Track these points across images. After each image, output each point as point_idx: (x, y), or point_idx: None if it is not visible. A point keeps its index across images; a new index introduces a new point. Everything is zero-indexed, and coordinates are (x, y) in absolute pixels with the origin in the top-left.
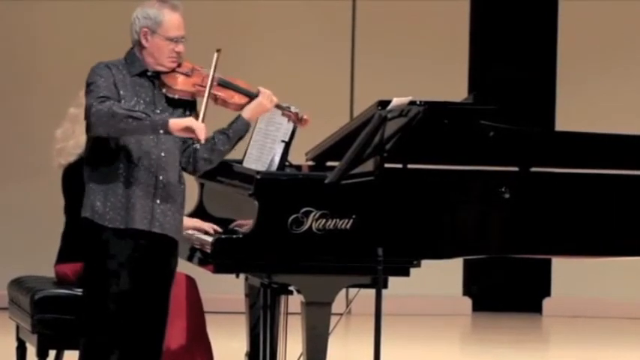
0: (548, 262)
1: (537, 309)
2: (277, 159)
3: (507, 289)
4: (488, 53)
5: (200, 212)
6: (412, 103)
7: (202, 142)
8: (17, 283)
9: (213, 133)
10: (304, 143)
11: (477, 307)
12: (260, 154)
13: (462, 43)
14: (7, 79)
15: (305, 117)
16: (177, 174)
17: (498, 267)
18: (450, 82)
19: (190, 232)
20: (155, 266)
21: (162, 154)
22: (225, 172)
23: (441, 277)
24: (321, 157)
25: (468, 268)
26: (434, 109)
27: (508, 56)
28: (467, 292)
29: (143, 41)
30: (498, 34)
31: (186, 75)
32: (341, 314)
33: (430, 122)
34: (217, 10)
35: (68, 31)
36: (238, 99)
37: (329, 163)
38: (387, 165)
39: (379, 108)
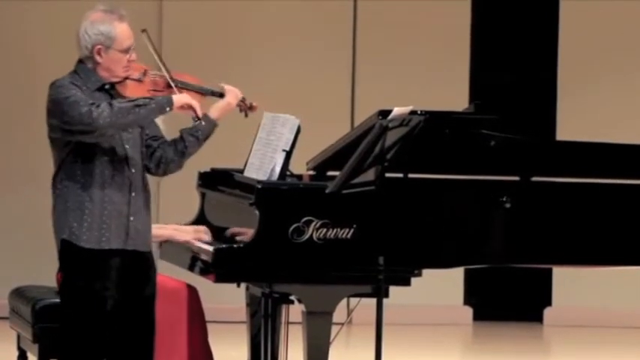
0: (549, 272)
1: (538, 318)
2: (278, 168)
3: (508, 298)
4: (489, 60)
5: (201, 222)
6: (413, 112)
7: (201, 116)
8: (18, 293)
9: (182, 134)
10: (305, 152)
11: (478, 317)
12: (261, 164)
13: (462, 49)
14: (6, 85)
15: (254, 104)
16: (143, 183)
17: (499, 276)
18: (450, 89)
19: (191, 240)
20: (135, 281)
21: (133, 171)
22: (226, 181)
23: (441, 287)
24: (321, 166)
25: (468, 277)
26: (435, 119)
27: (509, 63)
28: (467, 301)
29: (97, 57)
30: (499, 41)
31: (139, 81)
32: (342, 324)
33: (431, 132)
34: (216, 17)
35: (69, 34)
36: (194, 99)
37: (330, 173)
38: (387, 174)
39: (380, 117)
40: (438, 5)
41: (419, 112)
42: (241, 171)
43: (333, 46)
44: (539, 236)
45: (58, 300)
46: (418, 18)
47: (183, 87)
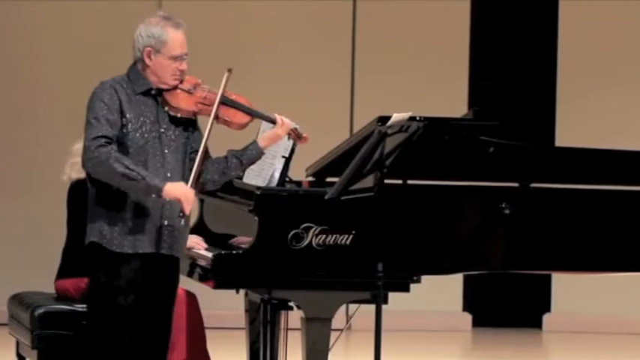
0: (549, 278)
1: (537, 324)
2: (277, 175)
3: (507, 304)
4: (488, 67)
5: (200, 228)
6: (412, 118)
7: (187, 214)
8: (17, 299)
9: (227, 154)
10: (304, 159)
11: (477, 323)
12: (260, 170)
13: (461, 56)
14: (8, 93)
15: (305, 135)
16: None
17: (498, 282)
18: (449, 96)
19: (189, 247)
20: (161, 284)
21: (169, 175)
22: (226, 187)
23: (441, 293)
24: (321, 172)
25: (468, 283)
26: (434, 125)
27: (508, 70)
28: (467, 307)
29: (147, 60)
30: (498, 48)
31: (189, 92)
32: (341, 330)
33: (430, 138)
34: (215, 19)
35: (73, 38)
36: (240, 118)
37: (329, 179)
38: (386, 181)
39: (379, 124)
40: (436, 13)
41: (418, 119)
42: (240, 177)
43: (332, 53)
44: (538, 242)
45: (57, 306)
46: (417, 25)
47: (233, 106)
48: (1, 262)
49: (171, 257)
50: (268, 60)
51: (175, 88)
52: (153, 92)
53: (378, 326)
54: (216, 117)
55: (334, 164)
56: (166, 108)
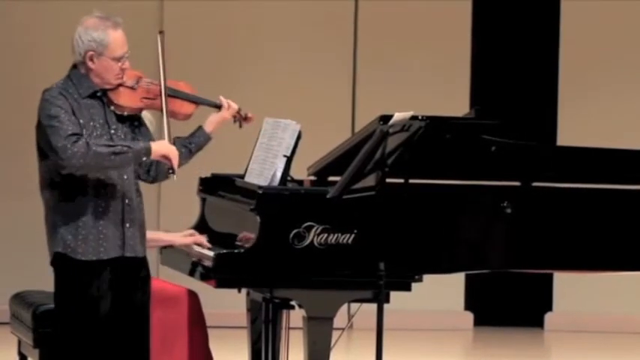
0: (550, 277)
1: (539, 324)
2: (279, 174)
3: (509, 303)
4: (489, 66)
5: (202, 227)
6: (414, 117)
7: (176, 169)
8: (19, 298)
9: (175, 143)
10: (306, 158)
11: (479, 322)
12: (262, 169)
13: (463, 55)
14: (7, 93)
15: (250, 115)
16: (136, 188)
17: (500, 281)
18: (451, 95)
19: (191, 245)
20: (130, 287)
21: (125, 177)
22: (227, 186)
23: (442, 292)
24: (322, 171)
25: (469, 282)
26: (436, 124)
27: (510, 69)
28: (468, 306)
29: (89, 64)
30: (500, 46)
31: (132, 88)
32: (342, 329)
33: (432, 137)
34: (217, 18)
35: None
36: (186, 109)
37: (331, 178)
38: (388, 180)
39: (381, 123)
40: (438, 11)
41: (420, 118)
42: (242, 176)
43: (334, 51)
44: (540, 241)
45: None
46: (419, 23)
47: (176, 96)
48: (2, 261)
49: (135, 258)
50: (270, 59)
51: (119, 86)
52: (98, 94)
53: (380, 325)
54: (162, 110)
55: (336, 163)
56: (112, 107)
